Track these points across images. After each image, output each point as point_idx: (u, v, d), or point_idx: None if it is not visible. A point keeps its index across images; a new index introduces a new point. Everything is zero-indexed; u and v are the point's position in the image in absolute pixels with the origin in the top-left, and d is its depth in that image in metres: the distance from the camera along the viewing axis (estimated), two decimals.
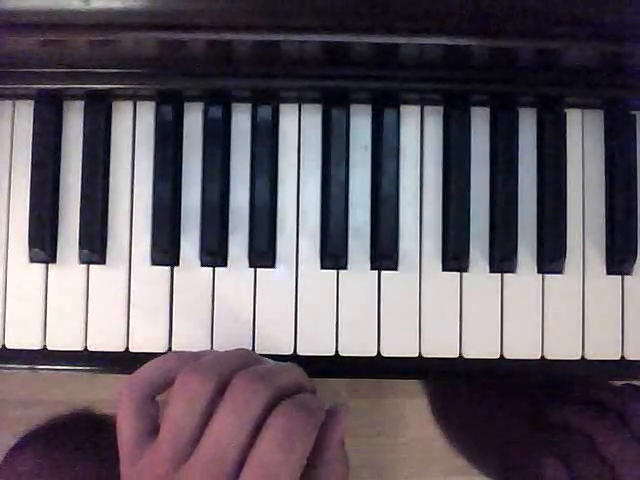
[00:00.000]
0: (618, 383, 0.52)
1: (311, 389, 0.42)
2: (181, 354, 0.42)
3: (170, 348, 0.46)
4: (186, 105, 0.47)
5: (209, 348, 0.46)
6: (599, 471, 0.48)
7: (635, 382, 0.50)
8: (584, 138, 0.48)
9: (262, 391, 0.38)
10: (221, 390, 0.38)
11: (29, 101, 0.47)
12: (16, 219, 0.47)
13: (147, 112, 0.47)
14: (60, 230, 0.47)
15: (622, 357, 0.47)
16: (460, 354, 0.47)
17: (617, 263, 0.47)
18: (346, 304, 0.47)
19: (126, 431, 0.39)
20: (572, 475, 0.49)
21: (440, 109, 0.48)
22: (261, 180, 0.46)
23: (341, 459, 0.41)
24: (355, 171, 0.47)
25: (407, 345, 0.46)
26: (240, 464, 0.37)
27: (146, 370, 0.41)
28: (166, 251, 0.46)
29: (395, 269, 0.47)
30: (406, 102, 0.47)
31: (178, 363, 0.41)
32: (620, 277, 0.47)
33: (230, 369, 0.39)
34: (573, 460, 0.50)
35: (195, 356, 0.41)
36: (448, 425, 0.59)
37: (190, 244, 0.47)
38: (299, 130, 0.47)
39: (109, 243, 0.47)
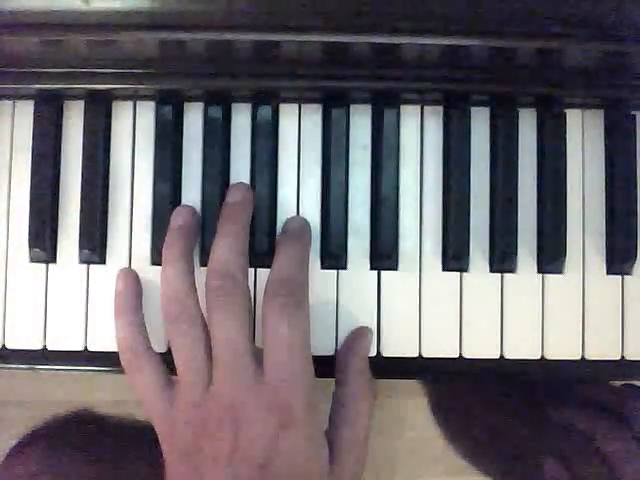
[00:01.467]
0: (618, 383, 0.52)
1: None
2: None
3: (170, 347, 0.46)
4: (186, 105, 0.47)
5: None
6: (599, 471, 0.48)
7: (635, 382, 0.50)
8: (584, 138, 0.48)
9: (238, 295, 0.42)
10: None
11: (29, 101, 0.47)
12: (16, 219, 0.47)
13: (147, 112, 0.47)
14: (60, 230, 0.47)
15: (622, 357, 0.47)
16: (460, 354, 0.47)
17: (617, 263, 0.47)
18: (346, 304, 0.47)
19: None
20: (572, 475, 0.49)
21: (440, 109, 0.48)
22: (261, 180, 0.46)
23: (366, 381, 0.44)
24: (355, 171, 0.47)
25: (407, 345, 0.46)
26: (257, 353, 0.41)
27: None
28: None
29: (395, 269, 0.47)
30: (406, 102, 0.47)
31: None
32: (620, 277, 0.47)
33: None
34: (573, 460, 0.50)
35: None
36: (448, 425, 0.59)
37: None
38: (299, 130, 0.47)
39: (109, 243, 0.47)
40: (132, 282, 0.45)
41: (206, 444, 0.40)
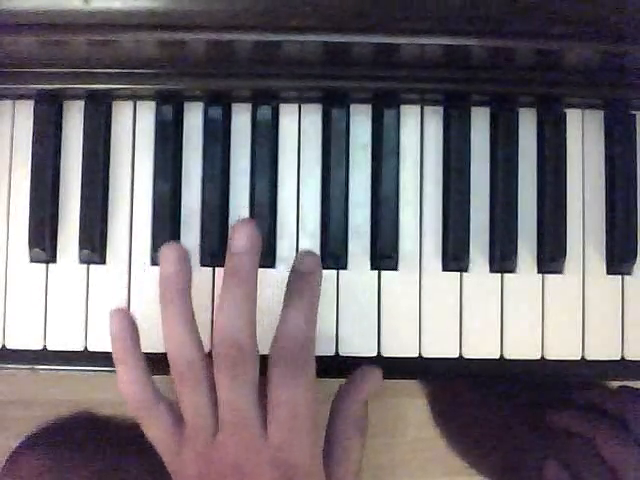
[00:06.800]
0: (617, 384, 0.51)
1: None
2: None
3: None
4: (186, 105, 0.47)
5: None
6: (600, 474, 0.48)
7: (635, 382, 0.50)
8: (584, 138, 0.48)
9: (245, 363, 0.40)
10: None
11: (29, 101, 0.47)
12: (16, 219, 0.47)
13: (147, 112, 0.47)
14: (60, 230, 0.47)
15: (622, 357, 0.47)
16: (460, 354, 0.47)
17: (617, 263, 0.47)
18: (346, 304, 0.47)
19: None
20: (573, 478, 0.49)
21: (440, 109, 0.48)
22: (261, 180, 0.46)
23: (362, 421, 0.44)
24: (355, 171, 0.47)
25: (407, 345, 0.46)
26: (262, 415, 0.40)
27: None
28: None
29: (395, 269, 0.47)
30: (406, 102, 0.47)
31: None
32: (620, 277, 0.47)
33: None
34: (574, 463, 0.50)
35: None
36: (448, 426, 0.59)
37: (190, 244, 0.47)
38: (299, 130, 0.47)
39: (109, 243, 0.47)
40: (128, 324, 0.42)
41: None
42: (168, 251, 0.41)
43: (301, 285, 0.42)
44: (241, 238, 0.41)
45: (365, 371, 0.44)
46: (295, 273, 0.43)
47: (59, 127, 0.47)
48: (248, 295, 0.41)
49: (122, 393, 0.42)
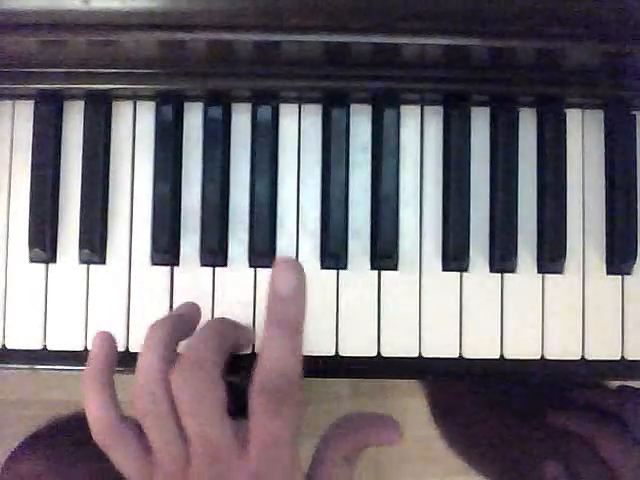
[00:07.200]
0: (617, 384, 0.52)
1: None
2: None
3: None
4: (186, 105, 0.47)
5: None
6: (599, 474, 0.48)
7: (635, 382, 0.50)
8: (584, 138, 0.48)
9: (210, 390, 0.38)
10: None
11: (29, 101, 0.47)
12: (16, 219, 0.47)
13: (147, 112, 0.47)
14: (60, 230, 0.47)
15: (622, 357, 0.47)
16: (460, 354, 0.47)
17: (617, 263, 0.47)
18: (346, 304, 0.47)
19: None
20: (573, 478, 0.49)
21: (440, 109, 0.48)
22: (261, 180, 0.46)
23: (348, 461, 0.40)
24: (355, 171, 0.47)
25: (407, 345, 0.46)
26: (235, 442, 0.37)
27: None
28: (166, 251, 0.46)
29: (395, 269, 0.47)
30: (406, 102, 0.47)
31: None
32: (620, 277, 0.47)
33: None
34: (573, 463, 0.50)
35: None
36: (448, 426, 0.59)
37: (190, 244, 0.47)
38: (299, 130, 0.47)
39: (109, 243, 0.47)
40: (107, 348, 0.41)
41: None
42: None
43: (282, 310, 0.38)
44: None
45: (384, 422, 0.41)
46: (273, 295, 0.38)
47: (59, 127, 0.47)
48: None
49: (88, 416, 0.41)
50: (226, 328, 0.42)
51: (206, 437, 0.38)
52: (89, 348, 0.46)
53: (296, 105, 0.47)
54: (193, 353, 0.39)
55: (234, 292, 0.46)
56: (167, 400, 0.39)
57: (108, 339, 0.42)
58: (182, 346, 0.41)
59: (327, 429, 0.41)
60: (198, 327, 0.43)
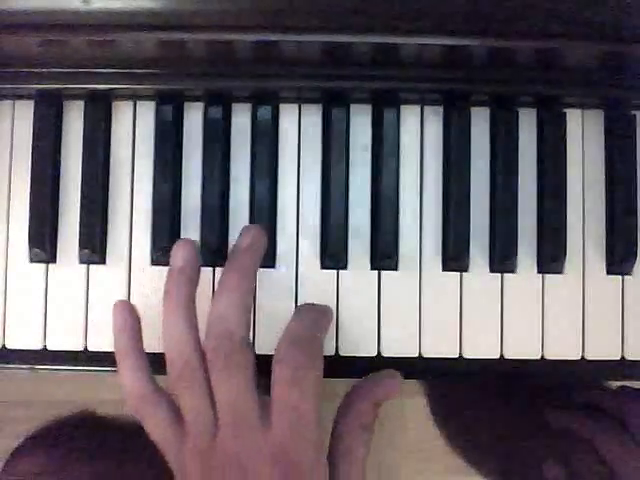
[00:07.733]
0: (617, 383, 0.52)
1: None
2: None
3: None
4: (186, 105, 0.47)
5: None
6: (599, 474, 0.49)
7: (635, 382, 0.50)
8: (584, 138, 0.48)
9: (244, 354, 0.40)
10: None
11: (29, 101, 0.47)
12: (16, 219, 0.47)
13: (147, 112, 0.47)
14: (60, 230, 0.47)
15: (622, 357, 0.47)
16: (460, 354, 0.47)
17: (617, 263, 0.47)
18: (346, 304, 0.47)
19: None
20: (573, 478, 0.49)
21: (440, 109, 0.48)
22: (261, 180, 0.46)
23: (367, 435, 0.42)
24: (355, 171, 0.47)
25: (407, 345, 0.46)
26: (261, 411, 0.40)
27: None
28: (166, 251, 0.46)
29: (395, 269, 0.47)
30: (406, 102, 0.47)
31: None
32: (620, 277, 0.47)
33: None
34: (573, 463, 0.50)
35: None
36: (447, 426, 0.59)
37: None
38: (299, 130, 0.47)
39: (109, 243, 0.47)
40: (131, 319, 0.43)
41: None
42: (177, 247, 0.42)
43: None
44: (245, 237, 0.43)
45: (384, 375, 0.44)
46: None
47: (59, 127, 0.47)
48: (242, 285, 0.41)
49: (123, 388, 0.42)
50: (247, 278, 0.43)
51: (235, 407, 0.39)
52: (89, 348, 0.46)
53: (296, 105, 0.47)
54: (221, 320, 0.40)
55: None
56: (201, 367, 0.40)
57: (128, 309, 0.43)
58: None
59: (341, 401, 0.43)
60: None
